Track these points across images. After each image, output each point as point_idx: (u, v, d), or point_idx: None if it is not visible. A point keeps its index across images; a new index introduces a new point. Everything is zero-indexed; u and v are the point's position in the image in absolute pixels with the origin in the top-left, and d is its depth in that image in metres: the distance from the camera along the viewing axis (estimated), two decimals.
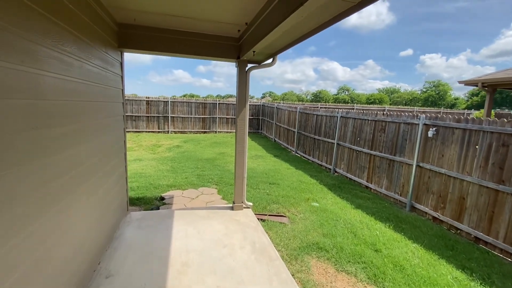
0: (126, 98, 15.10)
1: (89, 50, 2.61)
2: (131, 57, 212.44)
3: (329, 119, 8.54)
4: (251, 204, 4.65)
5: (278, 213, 4.81)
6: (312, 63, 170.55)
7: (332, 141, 8.26)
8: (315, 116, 9.42)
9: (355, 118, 7.31)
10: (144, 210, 4.70)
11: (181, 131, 15.70)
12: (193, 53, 3.91)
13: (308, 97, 71.54)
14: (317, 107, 17.17)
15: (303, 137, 10.37)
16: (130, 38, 3.71)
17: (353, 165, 7.34)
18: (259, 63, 4.35)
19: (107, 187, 3.28)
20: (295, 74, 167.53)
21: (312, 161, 9.46)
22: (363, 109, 19.19)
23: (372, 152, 6.58)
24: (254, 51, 3.48)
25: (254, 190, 5.97)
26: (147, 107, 14.96)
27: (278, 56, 3.89)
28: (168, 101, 15.18)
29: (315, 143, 9.37)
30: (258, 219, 4.35)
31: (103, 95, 3.18)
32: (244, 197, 4.52)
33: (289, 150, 11.68)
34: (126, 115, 14.59)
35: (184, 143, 12.46)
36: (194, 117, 15.85)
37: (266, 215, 4.62)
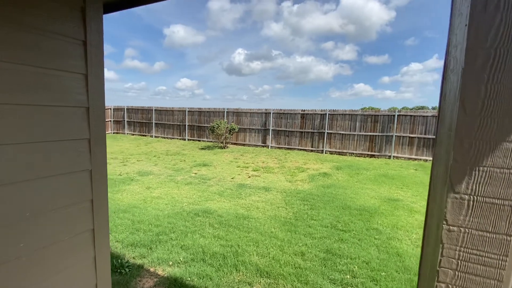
0: (282, 112, 13.55)
1: None
2: (314, 77, 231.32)
3: None
4: None
5: None
6: None
7: None
8: None
9: None
10: None
11: (339, 152, 12.15)
12: None
13: None
14: None
15: None
16: None
17: None
18: None
19: None
20: None
21: None
22: None
23: None
24: None
25: None
26: (301, 121, 12.84)
27: None
28: (326, 113, 12.24)
29: None
30: None
31: None
32: None
33: None
34: (279, 130, 13.24)
35: (337, 170, 8.93)
36: (358, 134, 11.79)
37: None
